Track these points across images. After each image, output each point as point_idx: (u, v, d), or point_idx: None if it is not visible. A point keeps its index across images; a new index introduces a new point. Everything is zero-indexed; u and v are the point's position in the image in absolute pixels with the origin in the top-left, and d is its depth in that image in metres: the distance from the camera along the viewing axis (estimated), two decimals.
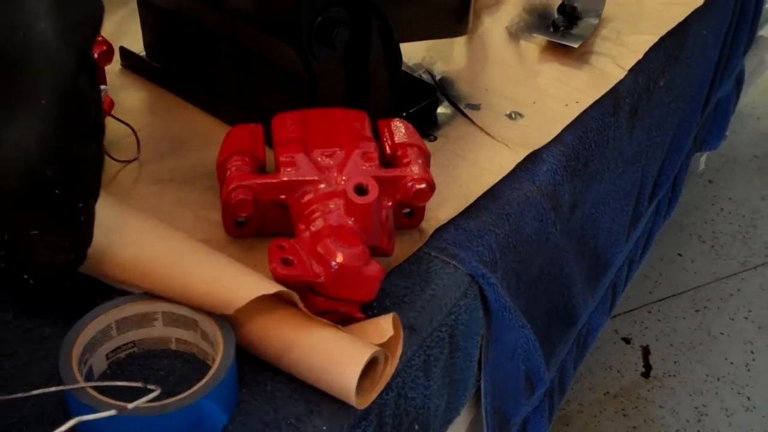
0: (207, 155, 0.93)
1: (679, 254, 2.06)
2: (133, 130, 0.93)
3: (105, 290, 0.76)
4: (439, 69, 1.10)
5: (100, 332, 0.70)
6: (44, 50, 0.58)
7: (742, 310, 1.93)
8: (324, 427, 0.69)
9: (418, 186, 0.79)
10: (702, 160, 2.19)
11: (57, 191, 0.63)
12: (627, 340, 1.85)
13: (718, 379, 1.77)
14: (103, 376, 0.72)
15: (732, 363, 1.80)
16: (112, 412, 0.57)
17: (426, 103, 1.00)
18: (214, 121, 0.98)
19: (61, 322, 0.75)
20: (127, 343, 0.73)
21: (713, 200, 2.22)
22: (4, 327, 0.75)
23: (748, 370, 1.79)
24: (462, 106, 1.04)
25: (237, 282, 0.70)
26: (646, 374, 1.78)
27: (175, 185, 0.90)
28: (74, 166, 0.63)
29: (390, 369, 0.72)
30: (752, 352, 1.83)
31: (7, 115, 0.60)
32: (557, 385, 1.22)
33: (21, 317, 0.75)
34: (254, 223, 0.83)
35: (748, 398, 1.73)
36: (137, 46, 1.05)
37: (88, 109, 0.62)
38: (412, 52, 1.08)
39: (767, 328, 1.88)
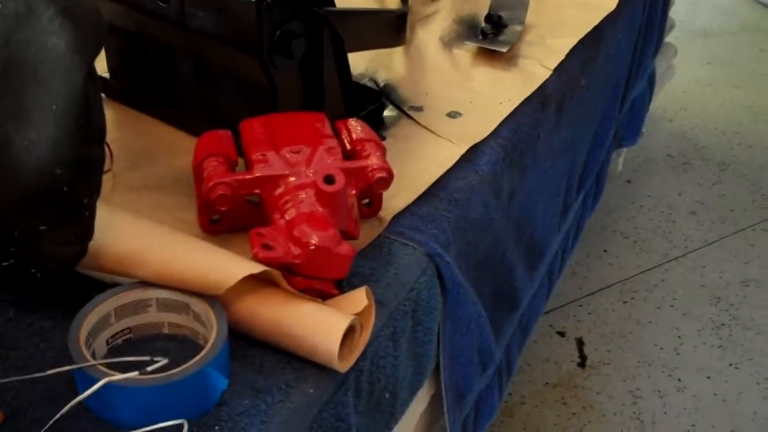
0: (176, 163, 1.00)
1: (605, 250, 2.14)
2: (106, 143, 0.99)
3: (97, 284, 0.83)
4: (382, 77, 1.19)
5: (101, 319, 0.77)
6: (56, 62, 0.65)
7: (668, 299, 2.02)
8: (311, 391, 0.77)
9: (378, 174, 0.88)
10: (620, 161, 2.27)
11: (65, 189, 0.70)
12: (562, 334, 1.92)
13: (650, 364, 1.85)
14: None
15: (662, 348, 1.89)
16: (135, 374, 0.65)
17: (373, 107, 1.09)
18: (180, 133, 1.06)
19: (59, 316, 0.81)
20: (124, 330, 0.80)
21: (633, 198, 2.32)
22: (6, 324, 0.81)
23: (677, 354, 1.88)
24: (406, 109, 1.13)
25: (225, 265, 0.78)
26: (581, 364, 1.85)
27: (150, 191, 0.97)
28: (82, 165, 0.70)
29: (365, 336, 0.80)
30: (679, 337, 1.92)
31: (21, 121, 0.67)
32: (504, 366, 1.31)
33: (21, 314, 0.81)
34: (227, 220, 0.91)
35: (679, 380, 1.82)
36: (100, 67, 1.11)
37: (94, 114, 0.69)
38: (357, 63, 1.15)
39: (692, 314, 1.97)
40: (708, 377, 1.83)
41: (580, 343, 1.90)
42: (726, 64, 2.92)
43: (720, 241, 2.19)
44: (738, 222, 2.25)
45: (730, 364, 1.85)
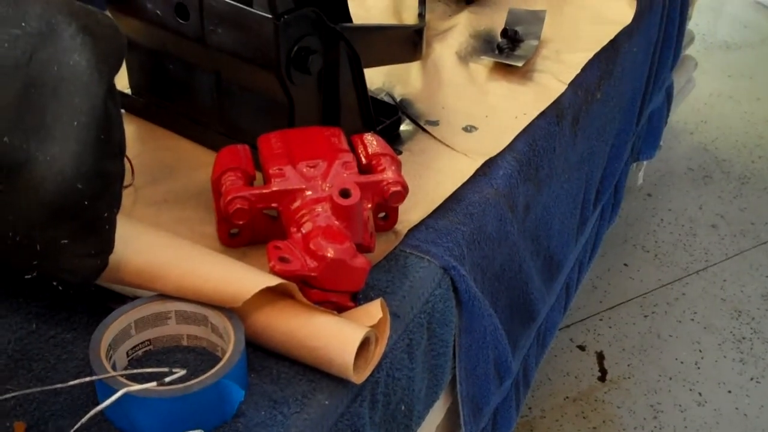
0: (196, 178, 1.02)
1: (625, 264, 2.14)
2: (127, 158, 1.01)
3: (117, 297, 0.84)
4: (399, 91, 1.20)
5: (121, 331, 0.79)
6: (77, 79, 0.67)
7: (688, 313, 2.01)
8: (326, 402, 0.78)
9: (393, 188, 0.89)
10: (640, 174, 2.27)
11: (86, 203, 0.71)
12: (582, 348, 1.92)
13: (670, 378, 1.84)
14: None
15: (682, 362, 1.88)
16: (153, 385, 0.66)
17: (390, 121, 1.10)
18: (200, 148, 1.07)
19: (80, 328, 0.83)
20: (144, 341, 0.81)
21: (653, 212, 2.31)
22: (30, 335, 0.82)
23: (698, 368, 1.87)
24: (422, 123, 1.14)
25: (242, 278, 0.79)
26: (602, 378, 1.85)
27: (170, 205, 0.99)
28: (102, 180, 0.72)
29: (380, 348, 0.81)
30: (700, 351, 1.91)
31: (43, 137, 0.69)
32: (522, 378, 1.32)
33: (43, 326, 0.83)
34: (246, 234, 0.92)
35: (700, 394, 1.81)
36: (121, 83, 1.14)
37: (114, 130, 0.71)
38: (374, 78, 1.18)
39: (712, 328, 1.96)
40: (729, 391, 1.82)
41: (600, 356, 1.90)
42: (747, 77, 2.92)
43: (741, 255, 2.18)
44: (759, 235, 2.24)
45: (752, 378, 1.85)
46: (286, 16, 0.91)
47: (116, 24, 0.71)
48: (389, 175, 0.90)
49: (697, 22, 2.39)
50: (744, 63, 3.00)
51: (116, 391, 0.70)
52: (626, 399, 1.80)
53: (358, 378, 0.79)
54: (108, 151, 0.71)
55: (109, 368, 0.74)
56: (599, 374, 1.86)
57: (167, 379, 0.68)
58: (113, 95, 0.70)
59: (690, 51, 2.21)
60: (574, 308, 1.95)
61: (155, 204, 0.99)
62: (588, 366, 1.88)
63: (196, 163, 1.04)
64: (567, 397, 1.80)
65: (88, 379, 0.73)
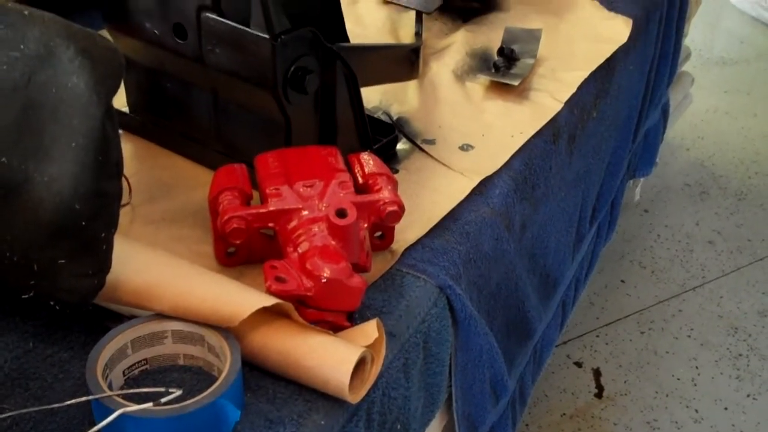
0: (193, 197, 1.03)
1: (622, 281, 2.14)
2: (124, 176, 1.01)
3: (114, 316, 0.85)
4: (396, 110, 1.21)
5: (117, 351, 0.79)
6: (75, 101, 0.68)
7: (685, 329, 2.01)
8: (322, 422, 0.78)
9: (390, 208, 0.90)
10: (637, 191, 2.28)
11: (84, 223, 0.72)
12: (579, 364, 1.92)
13: (667, 395, 1.84)
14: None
15: (679, 379, 1.88)
16: (150, 405, 0.66)
17: (387, 140, 1.11)
18: (197, 166, 1.08)
19: (77, 347, 0.83)
20: (140, 361, 0.82)
21: (650, 228, 2.31)
22: (27, 354, 0.82)
23: (695, 385, 1.87)
24: (419, 142, 1.15)
25: (239, 298, 0.79)
26: (598, 395, 1.85)
27: (168, 224, 0.99)
28: (100, 200, 0.72)
29: (376, 368, 0.82)
30: (697, 368, 1.91)
31: (41, 158, 0.69)
32: (518, 396, 1.32)
33: (40, 345, 0.83)
34: (243, 253, 0.92)
35: (696, 411, 1.81)
36: (119, 102, 1.14)
37: (112, 151, 0.71)
38: (370, 96, 1.18)
39: (709, 345, 1.97)
40: (725, 408, 1.82)
41: (597, 373, 1.90)
42: (744, 93, 2.93)
43: (738, 271, 2.19)
44: (755, 252, 2.25)
45: (748, 395, 1.85)
46: (283, 37, 0.92)
47: (115, 46, 0.72)
48: (385, 194, 0.91)
49: (693, 37, 2.40)
50: (740, 79, 3.01)
51: (113, 411, 0.70)
52: (623, 416, 1.80)
53: (354, 397, 0.79)
54: (106, 172, 0.72)
55: (105, 388, 0.74)
56: (596, 391, 1.86)
57: (163, 399, 0.68)
58: (111, 116, 0.71)
59: (686, 67, 2.22)
60: (571, 325, 1.95)
61: (153, 222, 0.99)
62: (585, 383, 1.88)
63: (194, 181, 1.05)
64: (564, 414, 1.80)
65: (84, 398, 0.73)
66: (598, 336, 1.99)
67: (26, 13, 0.69)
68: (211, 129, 1.05)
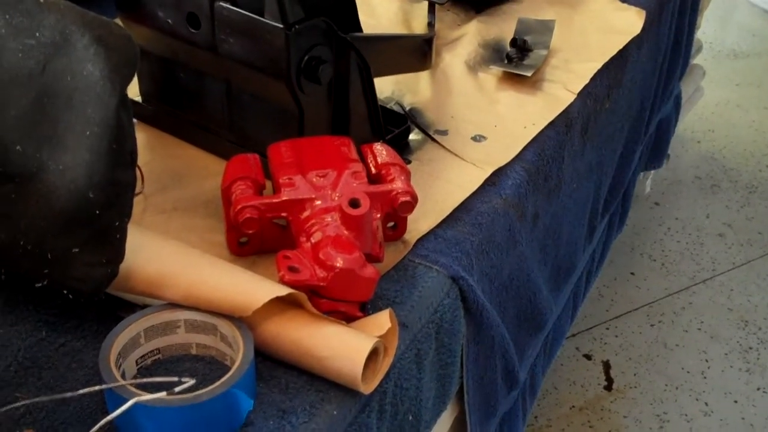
0: (205, 186, 1.02)
1: (632, 273, 2.14)
2: (137, 166, 1.01)
3: (126, 305, 0.85)
4: (408, 101, 1.21)
5: (131, 340, 0.79)
6: (90, 89, 0.68)
7: (695, 322, 2.01)
8: (335, 412, 0.78)
9: (403, 198, 0.89)
10: (647, 183, 2.28)
11: (98, 212, 0.72)
12: (588, 357, 1.92)
13: (677, 388, 1.85)
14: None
15: (689, 372, 1.88)
16: (163, 394, 0.66)
17: (399, 131, 1.10)
18: (210, 156, 1.07)
19: (89, 337, 0.84)
20: (153, 350, 0.82)
21: (660, 221, 2.31)
22: (39, 343, 0.83)
23: (705, 378, 1.87)
24: (431, 133, 1.15)
25: (252, 287, 0.79)
26: (608, 387, 1.85)
27: (180, 213, 0.99)
28: (114, 189, 0.72)
29: (389, 358, 0.81)
30: (707, 361, 1.91)
31: (55, 146, 0.69)
32: (528, 388, 1.32)
33: (53, 334, 0.83)
34: (255, 242, 0.92)
35: (706, 404, 1.81)
36: (132, 91, 1.14)
37: (126, 140, 0.71)
38: (383, 87, 1.18)
39: (719, 338, 1.97)
40: (735, 401, 1.82)
41: (606, 366, 1.90)
42: (755, 86, 2.91)
43: (748, 264, 2.18)
44: (766, 245, 2.24)
45: (758, 388, 1.85)
46: (297, 26, 0.91)
47: (129, 35, 0.72)
48: (398, 185, 0.90)
49: (704, 30, 2.39)
50: (752, 71, 3.00)
51: (126, 400, 0.70)
52: (632, 408, 1.80)
53: (367, 388, 0.79)
54: (120, 160, 0.72)
55: (118, 377, 0.74)
56: (605, 383, 1.86)
57: (177, 389, 0.68)
58: (125, 105, 0.71)
59: (698, 60, 2.21)
60: (581, 317, 1.95)
61: (165, 212, 0.99)
62: (594, 375, 1.88)
63: (206, 171, 1.05)
64: (573, 407, 1.81)
65: (97, 387, 0.73)
66: (608, 328, 1.99)
67: (42, 0, 0.69)
68: (223, 119, 1.05)
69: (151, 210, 0.99)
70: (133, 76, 0.71)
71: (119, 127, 0.70)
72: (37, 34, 0.68)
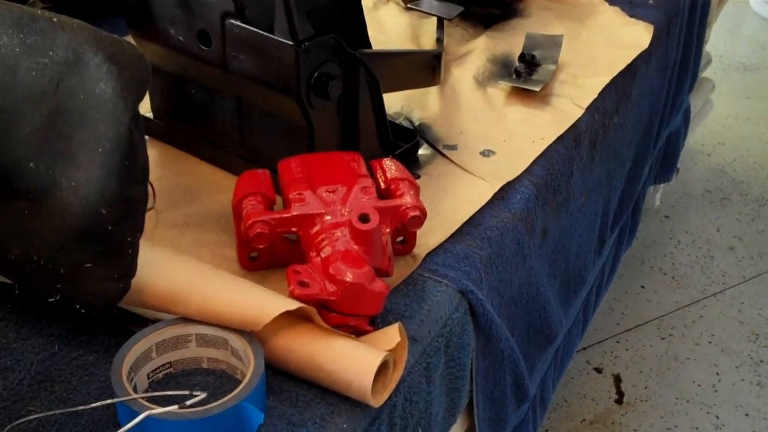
0: (217, 202, 1.03)
1: (642, 286, 2.14)
2: (149, 182, 1.02)
3: (138, 320, 0.86)
4: (417, 116, 1.21)
5: (142, 354, 0.80)
6: (103, 107, 0.68)
7: (706, 335, 2.01)
8: (344, 426, 0.79)
9: (412, 213, 0.90)
10: (657, 196, 2.28)
11: (110, 228, 0.72)
12: (599, 370, 1.93)
13: (688, 401, 1.85)
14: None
15: (699, 385, 1.89)
16: (174, 408, 0.67)
17: (408, 146, 1.11)
18: (220, 172, 1.08)
19: (101, 351, 0.84)
20: (164, 364, 0.82)
21: (671, 234, 2.32)
22: (52, 357, 0.83)
23: (715, 391, 1.87)
24: (440, 147, 1.15)
25: (262, 302, 0.80)
26: (619, 401, 1.85)
27: (191, 229, 1.00)
28: (126, 205, 0.73)
29: (398, 372, 0.82)
30: (717, 374, 1.91)
31: (68, 163, 0.70)
32: (539, 401, 1.32)
33: (65, 348, 0.84)
34: (266, 257, 0.93)
35: (717, 417, 1.81)
36: (143, 107, 1.15)
37: (138, 156, 0.72)
38: (392, 102, 1.19)
39: (730, 351, 1.97)
40: (746, 414, 1.82)
41: (617, 379, 1.91)
42: (764, 98, 2.92)
43: (758, 277, 2.18)
44: None
45: None
46: (306, 43, 0.92)
47: (141, 53, 0.73)
48: (408, 200, 0.91)
49: (713, 43, 2.40)
50: (761, 84, 3.00)
51: (138, 413, 0.71)
52: (643, 422, 1.80)
53: (376, 401, 0.80)
54: (132, 177, 0.72)
55: (131, 391, 0.74)
56: (616, 397, 1.87)
57: (188, 402, 0.68)
58: (138, 122, 0.72)
59: (707, 73, 2.22)
60: (591, 330, 1.96)
61: (176, 227, 1.00)
62: (605, 388, 1.88)
63: (216, 186, 1.06)
64: (584, 420, 1.81)
65: (110, 401, 0.73)
66: (618, 342, 2.00)
67: (55, 20, 0.70)
68: (234, 135, 1.05)
69: (162, 225, 1.00)
70: (145, 93, 0.72)
71: (131, 144, 0.71)
72: (51, 53, 0.69)
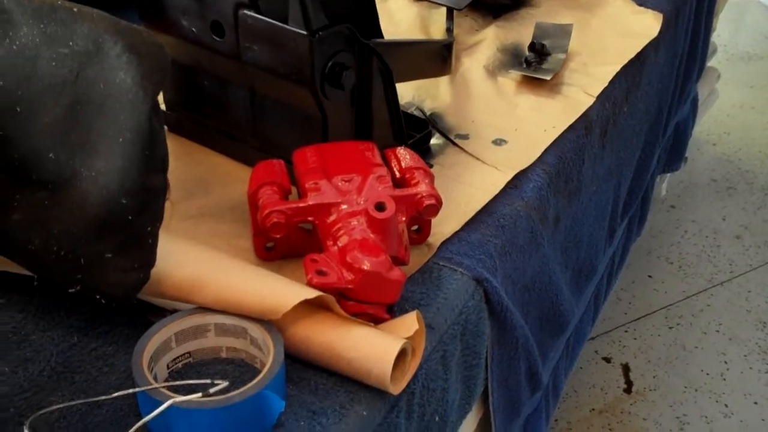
0: (231, 192, 1.04)
1: (650, 276, 2.15)
2: None
3: (156, 310, 0.86)
4: (429, 106, 1.22)
5: (162, 344, 0.80)
6: (123, 96, 0.69)
7: (713, 324, 2.02)
8: (364, 413, 0.79)
9: (428, 202, 0.90)
10: (663, 186, 2.29)
11: (130, 217, 0.73)
12: (607, 360, 1.93)
13: (696, 390, 1.86)
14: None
15: (708, 374, 1.90)
16: (198, 396, 0.67)
17: (420, 135, 1.11)
18: (234, 163, 1.09)
19: (120, 341, 0.85)
20: (183, 354, 0.83)
21: (677, 224, 2.32)
22: (71, 348, 0.84)
23: (724, 379, 1.88)
24: (452, 137, 1.16)
25: (281, 291, 0.80)
26: (627, 390, 1.86)
27: (206, 219, 1.00)
28: (146, 194, 0.73)
29: (416, 359, 0.82)
30: (726, 363, 1.92)
31: (88, 153, 0.70)
32: (552, 390, 1.32)
33: (84, 339, 0.85)
34: (281, 247, 0.93)
35: (726, 405, 1.82)
36: None
37: (158, 145, 0.72)
38: (404, 92, 1.19)
39: (738, 339, 1.98)
40: (755, 402, 1.82)
41: (626, 368, 1.91)
42: None
43: (765, 266, 2.19)
44: None
45: None
46: (320, 33, 0.92)
47: (160, 42, 0.73)
48: (423, 188, 0.91)
49: (718, 33, 2.40)
50: (766, 73, 3.00)
51: (160, 402, 0.71)
52: (652, 411, 1.81)
53: (396, 389, 0.80)
54: (152, 166, 0.73)
55: (152, 380, 0.75)
56: (625, 386, 1.88)
57: (211, 390, 0.69)
58: (157, 111, 0.72)
59: (712, 62, 2.22)
60: (599, 320, 1.96)
61: (191, 218, 1.00)
62: (613, 378, 1.89)
63: (231, 178, 1.06)
64: (593, 409, 1.81)
65: (132, 390, 0.74)
66: (626, 331, 2.00)
67: (75, 10, 0.70)
68: (248, 125, 1.06)
69: (177, 216, 1.00)
70: (164, 82, 0.72)
71: (151, 133, 0.71)
72: (71, 43, 0.69)
